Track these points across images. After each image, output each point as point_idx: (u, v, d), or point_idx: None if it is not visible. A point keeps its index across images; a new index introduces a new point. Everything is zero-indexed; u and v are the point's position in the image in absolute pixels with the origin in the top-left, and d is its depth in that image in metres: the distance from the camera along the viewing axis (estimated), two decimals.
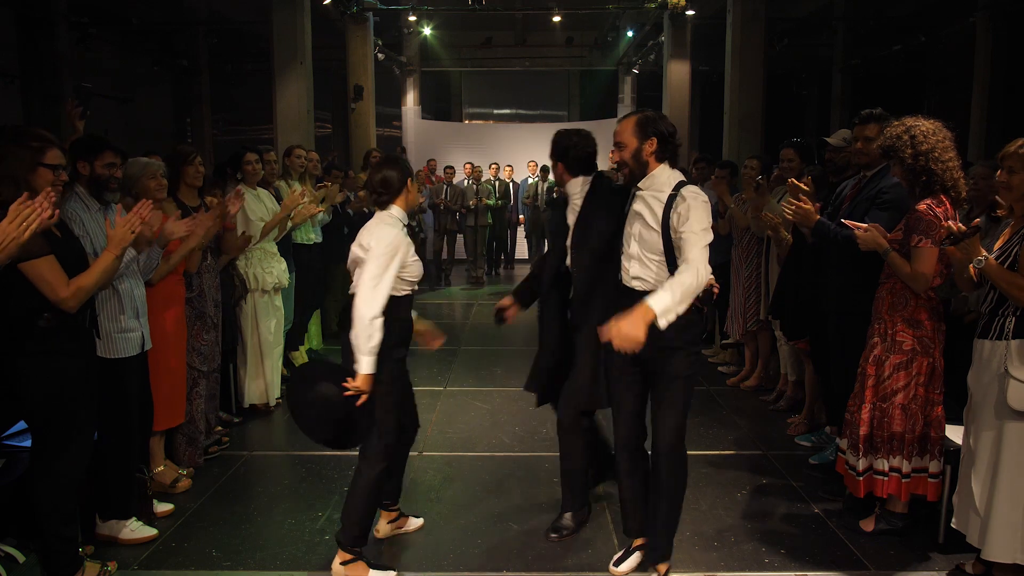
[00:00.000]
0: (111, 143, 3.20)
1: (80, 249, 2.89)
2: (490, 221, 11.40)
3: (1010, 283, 2.65)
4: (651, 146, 2.84)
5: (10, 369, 2.72)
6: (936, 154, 3.03)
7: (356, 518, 2.99)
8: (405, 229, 3.04)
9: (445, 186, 10.97)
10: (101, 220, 3.11)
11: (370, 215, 7.81)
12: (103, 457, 3.14)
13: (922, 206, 3.05)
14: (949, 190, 3.06)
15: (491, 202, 11.24)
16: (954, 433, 3.21)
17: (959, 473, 2.94)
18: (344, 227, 6.79)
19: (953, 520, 2.92)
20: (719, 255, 5.86)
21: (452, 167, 11.27)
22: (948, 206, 3.06)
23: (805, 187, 3.59)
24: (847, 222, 3.28)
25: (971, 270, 2.73)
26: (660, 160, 2.87)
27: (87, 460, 2.89)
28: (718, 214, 5.66)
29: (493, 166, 11.90)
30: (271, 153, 5.54)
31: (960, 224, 2.74)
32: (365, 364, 2.80)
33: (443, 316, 8.79)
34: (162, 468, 3.77)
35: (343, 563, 3.01)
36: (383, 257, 2.84)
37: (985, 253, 2.68)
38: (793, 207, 3.52)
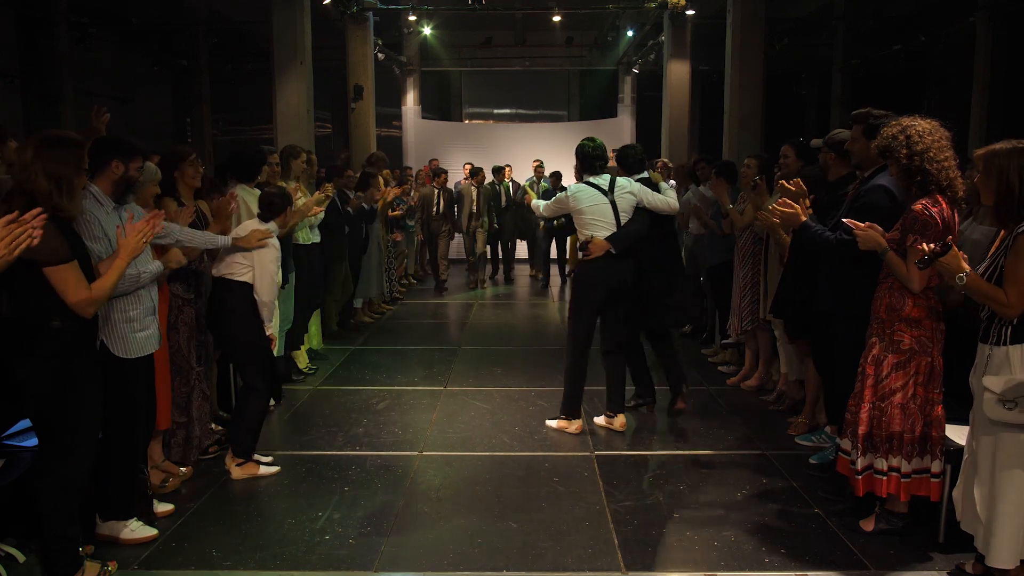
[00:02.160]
0: (141, 146, 3.27)
1: (85, 253, 2.89)
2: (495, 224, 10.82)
3: (988, 298, 2.63)
4: (577, 164, 4.70)
5: (19, 370, 2.73)
6: (931, 154, 3.02)
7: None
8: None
9: (437, 190, 10.22)
10: (115, 220, 3.11)
11: (369, 212, 7.86)
12: (107, 457, 3.14)
13: (918, 206, 3.05)
14: (945, 190, 3.06)
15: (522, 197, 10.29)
16: (954, 432, 3.21)
17: (963, 474, 2.92)
18: (344, 226, 6.80)
19: (961, 523, 2.90)
20: (719, 254, 5.88)
21: (446, 171, 10.62)
22: (944, 206, 3.05)
23: (793, 188, 3.59)
24: (847, 221, 3.28)
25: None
26: (583, 172, 4.60)
27: (93, 461, 2.90)
28: (719, 214, 5.66)
29: (508, 167, 11.15)
30: (275, 155, 5.58)
31: (930, 244, 2.71)
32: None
33: (442, 316, 8.79)
34: (154, 468, 3.78)
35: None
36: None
37: (967, 268, 2.66)
38: (779, 211, 3.53)
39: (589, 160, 4.54)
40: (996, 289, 2.63)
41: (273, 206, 4.11)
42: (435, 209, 10.20)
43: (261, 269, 3.91)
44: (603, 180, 4.49)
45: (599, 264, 4.43)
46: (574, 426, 4.67)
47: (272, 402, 5.03)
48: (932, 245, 2.68)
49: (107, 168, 3.10)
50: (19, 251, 2.23)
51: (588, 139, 4.61)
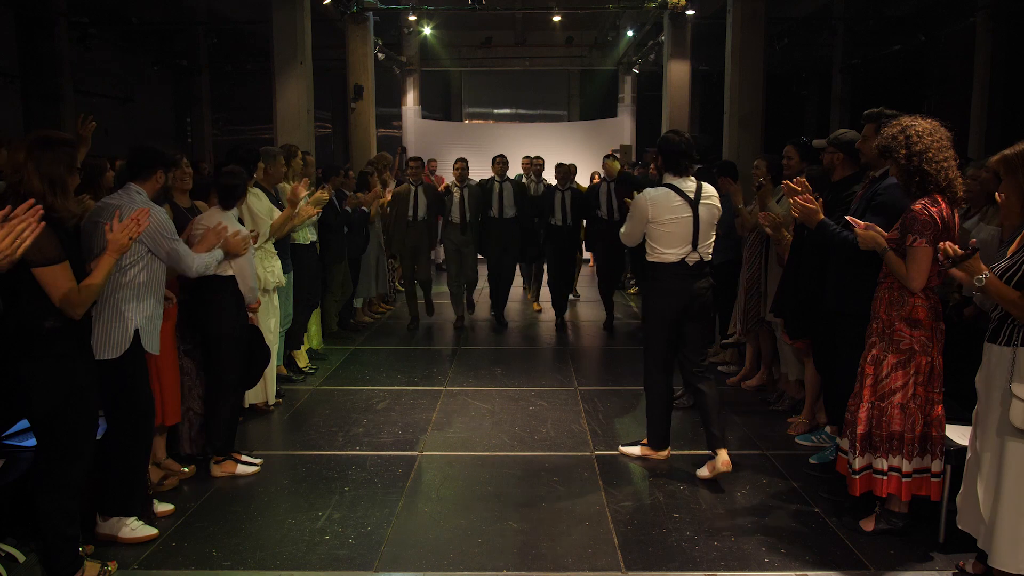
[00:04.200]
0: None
1: (78, 254, 2.89)
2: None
3: (1010, 303, 2.60)
4: (659, 160, 4.00)
5: (17, 372, 2.73)
6: (930, 154, 3.02)
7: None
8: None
9: (414, 188, 7.53)
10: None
11: (368, 214, 7.74)
12: (108, 455, 3.15)
13: (917, 206, 3.05)
14: (944, 190, 3.06)
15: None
16: (954, 432, 3.21)
17: (965, 474, 2.91)
18: (344, 226, 6.80)
19: (959, 522, 2.90)
20: (721, 254, 5.84)
21: (420, 159, 7.94)
22: (944, 206, 3.05)
23: (798, 188, 3.58)
24: (850, 219, 3.29)
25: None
26: (666, 170, 3.95)
27: (91, 460, 2.90)
28: (730, 213, 5.62)
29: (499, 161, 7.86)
30: (303, 157, 5.69)
31: (956, 246, 2.70)
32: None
33: (442, 316, 8.78)
34: (154, 465, 3.80)
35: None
36: None
37: (986, 271, 2.64)
38: (799, 206, 3.51)
39: (675, 157, 3.89)
40: (1017, 293, 2.59)
41: (235, 190, 3.99)
42: (410, 214, 7.48)
43: (236, 261, 3.91)
44: (689, 185, 3.89)
45: (671, 279, 3.92)
46: (661, 455, 4.21)
47: (273, 401, 5.05)
48: (958, 248, 2.67)
49: (151, 177, 3.36)
50: (23, 248, 2.23)
51: (674, 131, 4.06)
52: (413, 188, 7.57)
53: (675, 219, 3.84)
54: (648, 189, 3.93)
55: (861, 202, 3.52)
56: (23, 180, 2.66)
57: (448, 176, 8.56)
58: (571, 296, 9.04)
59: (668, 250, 3.89)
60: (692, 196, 3.86)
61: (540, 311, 8.66)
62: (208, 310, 3.92)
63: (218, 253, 3.70)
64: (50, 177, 2.68)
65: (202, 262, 3.55)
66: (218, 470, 3.98)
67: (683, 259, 3.90)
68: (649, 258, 3.97)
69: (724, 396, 5.38)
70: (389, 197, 7.86)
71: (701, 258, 3.93)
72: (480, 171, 9.00)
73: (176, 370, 3.87)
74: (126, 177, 3.37)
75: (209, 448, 4.05)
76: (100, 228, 3.20)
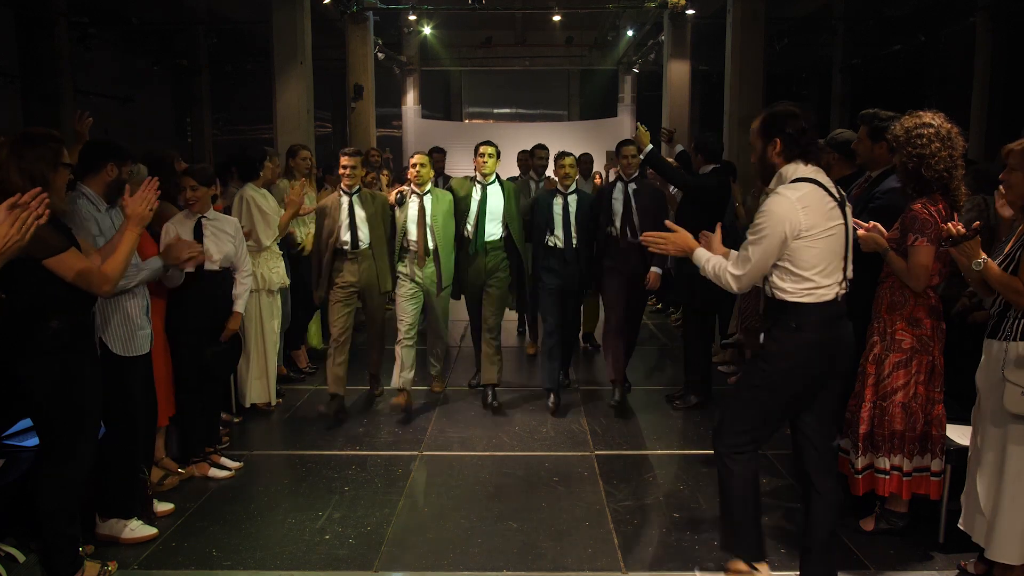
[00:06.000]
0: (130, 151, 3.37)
1: (77, 247, 2.89)
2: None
3: (1006, 287, 2.64)
4: (775, 148, 2.68)
5: (20, 368, 2.73)
6: (933, 160, 3.02)
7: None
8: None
9: (347, 198, 4.83)
10: (108, 221, 3.17)
11: None
12: (107, 456, 3.15)
13: (917, 205, 3.06)
14: (946, 193, 3.07)
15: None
16: (954, 432, 3.21)
17: (968, 473, 2.92)
18: None
19: (960, 520, 2.91)
20: None
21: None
22: (942, 206, 3.06)
23: None
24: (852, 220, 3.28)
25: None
26: (790, 160, 2.66)
27: (92, 460, 2.90)
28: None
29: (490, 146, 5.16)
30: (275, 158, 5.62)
31: (960, 227, 2.72)
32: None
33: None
34: (154, 465, 3.80)
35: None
36: None
37: (984, 256, 2.68)
38: None
39: (805, 136, 2.65)
40: (1012, 278, 2.64)
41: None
42: (345, 238, 4.79)
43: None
44: (823, 177, 2.67)
45: (821, 327, 2.64)
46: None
47: (273, 401, 5.04)
48: (961, 227, 2.69)
49: (101, 171, 3.17)
50: (31, 232, 2.22)
51: (787, 101, 2.77)
52: (346, 199, 4.77)
53: (832, 229, 2.61)
54: (784, 188, 2.62)
55: (859, 203, 3.51)
56: (6, 177, 2.63)
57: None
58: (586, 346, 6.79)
59: (827, 279, 2.62)
60: (838, 195, 2.68)
61: (535, 354, 6.50)
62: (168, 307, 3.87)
63: (156, 262, 3.33)
64: (31, 174, 2.65)
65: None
66: (192, 470, 3.96)
67: (838, 295, 2.68)
68: (791, 297, 2.63)
69: (723, 396, 5.39)
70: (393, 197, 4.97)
71: (848, 288, 2.75)
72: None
73: (169, 369, 3.83)
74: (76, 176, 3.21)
75: (184, 449, 4.01)
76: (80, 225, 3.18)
